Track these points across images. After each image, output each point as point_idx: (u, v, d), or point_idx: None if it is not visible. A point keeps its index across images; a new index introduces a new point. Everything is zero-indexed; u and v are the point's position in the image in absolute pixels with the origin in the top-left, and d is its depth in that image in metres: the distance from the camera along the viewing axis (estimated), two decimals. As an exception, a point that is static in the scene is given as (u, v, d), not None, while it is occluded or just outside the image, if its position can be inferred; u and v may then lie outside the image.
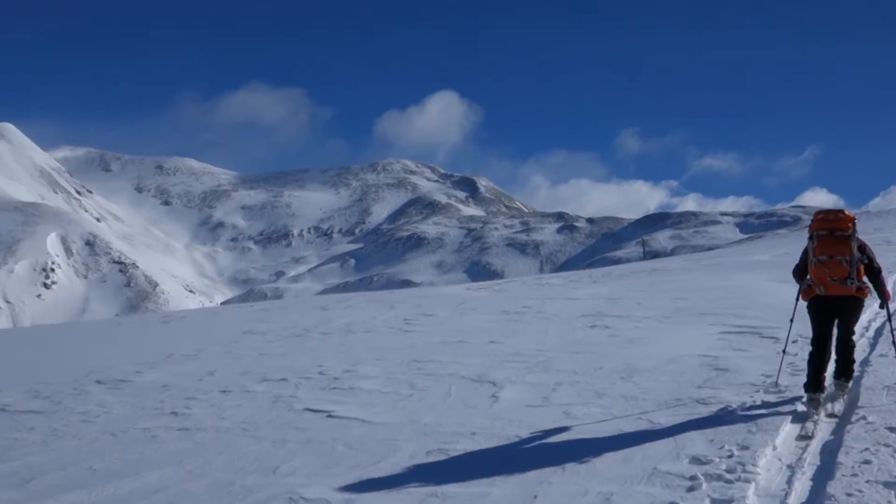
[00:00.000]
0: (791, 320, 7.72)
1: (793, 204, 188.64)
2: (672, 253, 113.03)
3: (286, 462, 5.89)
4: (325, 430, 6.72)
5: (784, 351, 7.59)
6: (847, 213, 6.64)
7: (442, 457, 5.84)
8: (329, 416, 7.23)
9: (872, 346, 8.84)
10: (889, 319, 7.35)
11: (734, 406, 6.57)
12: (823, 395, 6.55)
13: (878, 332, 9.66)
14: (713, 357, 8.66)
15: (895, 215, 44.57)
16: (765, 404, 6.63)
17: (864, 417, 6.10)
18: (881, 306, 6.90)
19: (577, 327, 11.80)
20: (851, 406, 6.53)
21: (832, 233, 6.56)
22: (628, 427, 6.26)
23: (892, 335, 7.24)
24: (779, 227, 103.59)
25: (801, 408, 6.53)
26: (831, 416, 6.37)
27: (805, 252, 6.82)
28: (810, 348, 6.77)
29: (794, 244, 33.86)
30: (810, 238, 6.72)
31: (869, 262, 6.63)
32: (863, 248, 6.62)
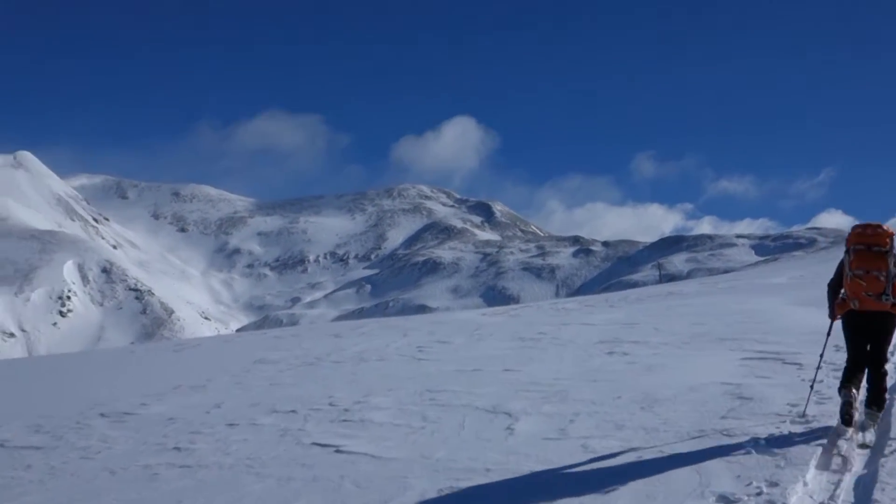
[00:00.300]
0: (821, 355, 7.49)
1: (808, 226, 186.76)
2: (688, 276, 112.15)
3: (290, 502, 5.63)
4: (332, 467, 6.45)
5: (812, 385, 7.28)
6: (886, 227, 6.52)
7: (454, 495, 5.57)
8: (337, 450, 6.96)
9: (901, 373, 8.50)
10: None
11: (760, 438, 6.25)
12: (855, 392, 6.43)
13: (906, 357, 9.33)
14: (735, 385, 8.34)
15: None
16: (792, 436, 6.31)
17: (898, 450, 5.79)
18: None
19: (594, 354, 11.50)
20: (883, 436, 6.22)
21: (869, 248, 6.46)
22: (650, 461, 5.97)
23: None
24: (794, 250, 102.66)
25: (836, 429, 6.30)
26: (863, 446, 6.09)
27: (841, 266, 6.73)
28: (846, 365, 6.70)
29: (810, 266, 33.45)
30: (847, 252, 6.63)
31: None
32: None
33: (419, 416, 8.12)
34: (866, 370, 6.67)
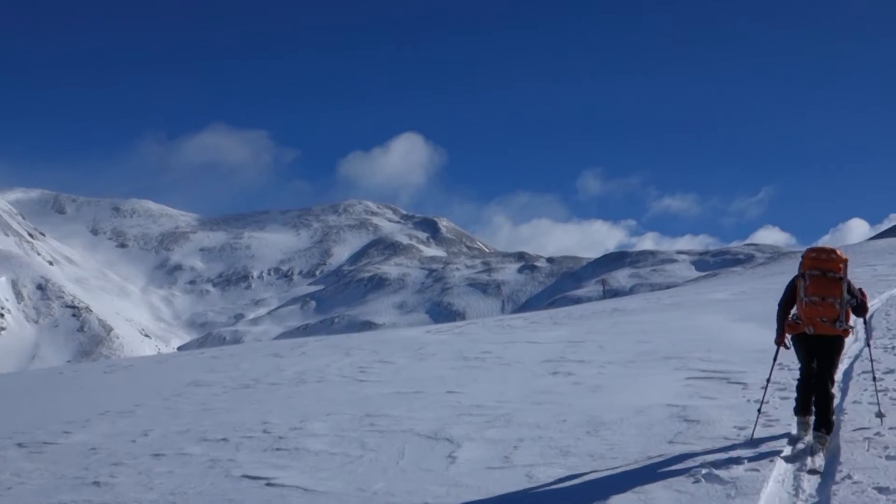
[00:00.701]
0: (768, 379, 7.41)
1: (746, 242, 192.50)
2: (631, 291, 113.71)
3: (214, 543, 5.23)
4: (261, 502, 6.05)
5: (759, 408, 7.19)
6: (839, 253, 6.55)
7: (391, 532, 5.24)
8: (268, 483, 6.55)
9: (844, 392, 8.44)
10: (867, 332, 7.79)
11: (709, 465, 6.04)
12: (812, 419, 6.51)
13: (847, 374, 9.30)
14: (682, 406, 8.18)
15: (844, 252, 44.92)
16: (741, 462, 6.12)
17: (849, 476, 5.63)
18: (858, 315, 6.76)
19: (539, 374, 11.28)
20: (833, 461, 6.07)
21: (825, 273, 6.49)
22: (596, 491, 5.71)
23: (870, 354, 7.68)
24: (733, 265, 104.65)
25: (785, 453, 6.22)
26: (813, 471, 5.93)
27: (792, 287, 6.72)
28: (800, 382, 6.77)
29: (749, 282, 33.87)
30: (802, 276, 6.61)
31: (858, 304, 6.58)
32: (850, 287, 6.54)
33: (357, 443, 7.76)
34: (814, 392, 6.61)
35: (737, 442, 6.69)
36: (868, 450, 6.22)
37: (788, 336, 6.85)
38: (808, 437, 6.59)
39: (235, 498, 6.23)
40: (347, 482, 6.42)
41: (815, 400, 6.56)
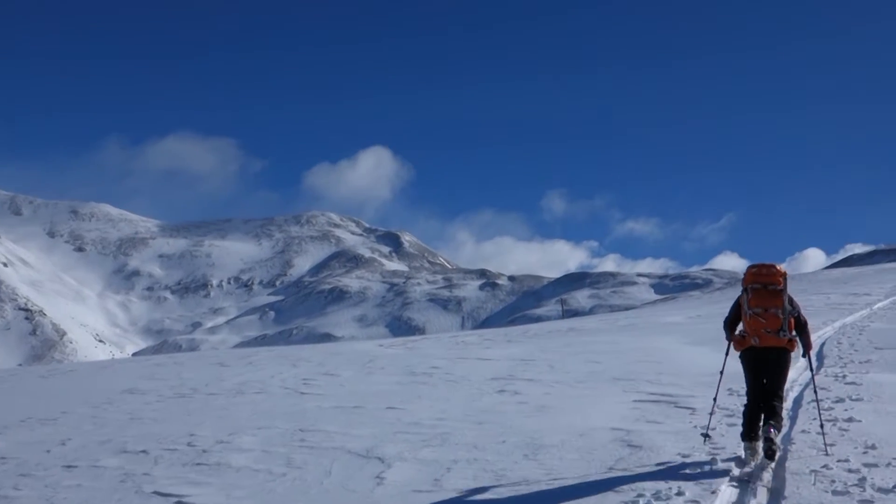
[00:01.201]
0: (714, 399, 7.28)
1: (706, 267, 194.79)
2: (590, 312, 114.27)
3: (106, 567, 4.78)
4: (167, 522, 5.61)
5: (704, 436, 7.10)
6: (779, 267, 6.72)
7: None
8: (179, 501, 6.10)
9: (792, 421, 8.19)
10: (811, 368, 7.67)
11: (648, 495, 5.73)
12: (760, 444, 6.42)
13: (797, 401, 9.09)
14: (626, 431, 7.87)
15: (800, 280, 45.45)
16: (682, 492, 5.81)
17: (793, 511, 5.35)
18: (803, 355, 7.03)
19: (485, 391, 10.94)
20: (777, 496, 5.79)
21: (766, 286, 6.65)
22: (527, 520, 5.37)
23: (814, 384, 7.75)
24: (692, 289, 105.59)
25: (730, 483, 5.97)
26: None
27: (736, 304, 6.90)
28: (747, 406, 6.71)
29: (706, 306, 34.01)
30: (744, 291, 6.77)
31: (797, 316, 6.74)
32: (791, 301, 6.70)
33: (284, 459, 7.33)
34: (764, 409, 6.60)
35: (679, 470, 6.39)
36: (814, 483, 5.95)
37: (738, 354, 6.87)
38: (755, 463, 6.40)
39: (140, 517, 5.78)
40: (265, 502, 5.99)
41: (765, 411, 6.56)
